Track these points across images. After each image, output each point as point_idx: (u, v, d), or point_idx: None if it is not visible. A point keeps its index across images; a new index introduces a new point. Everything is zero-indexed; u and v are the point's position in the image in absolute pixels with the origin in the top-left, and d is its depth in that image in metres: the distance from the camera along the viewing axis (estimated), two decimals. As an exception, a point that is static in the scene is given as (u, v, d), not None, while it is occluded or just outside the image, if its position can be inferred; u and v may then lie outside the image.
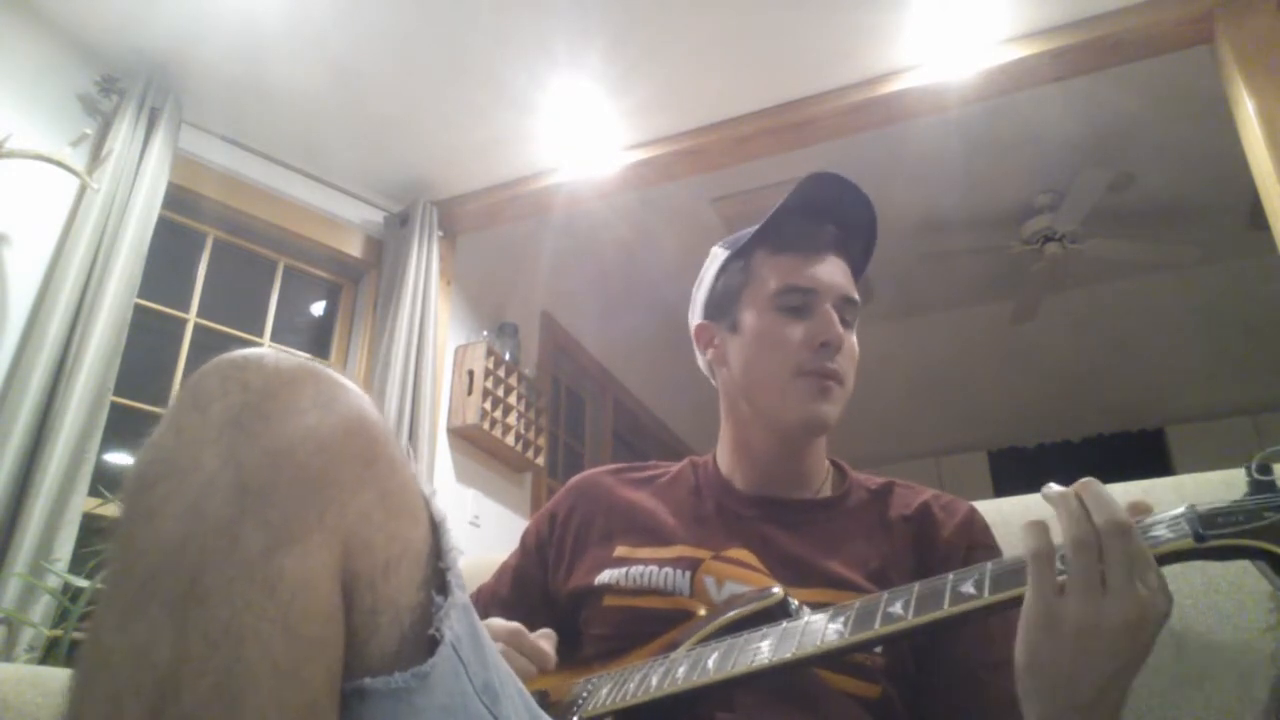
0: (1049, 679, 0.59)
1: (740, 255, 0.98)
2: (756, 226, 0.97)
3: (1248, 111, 2.15)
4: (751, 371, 0.94)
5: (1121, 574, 0.57)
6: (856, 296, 0.95)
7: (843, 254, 0.95)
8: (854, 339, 0.95)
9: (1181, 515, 0.59)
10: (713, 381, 1.03)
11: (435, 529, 0.56)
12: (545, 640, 0.85)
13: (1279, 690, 0.82)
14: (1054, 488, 0.64)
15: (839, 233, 0.96)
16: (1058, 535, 0.61)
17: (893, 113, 2.60)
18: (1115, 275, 4.13)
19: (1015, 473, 5.25)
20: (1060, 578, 0.59)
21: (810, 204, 0.94)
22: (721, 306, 0.99)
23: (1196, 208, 3.59)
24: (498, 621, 0.88)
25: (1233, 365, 4.54)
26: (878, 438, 5.00)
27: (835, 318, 0.90)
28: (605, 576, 0.91)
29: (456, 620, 0.54)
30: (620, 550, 0.93)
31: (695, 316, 1.03)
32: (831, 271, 0.93)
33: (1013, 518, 0.99)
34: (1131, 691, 0.61)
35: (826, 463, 0.99)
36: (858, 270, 0.98)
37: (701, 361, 1.03)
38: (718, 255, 1.02)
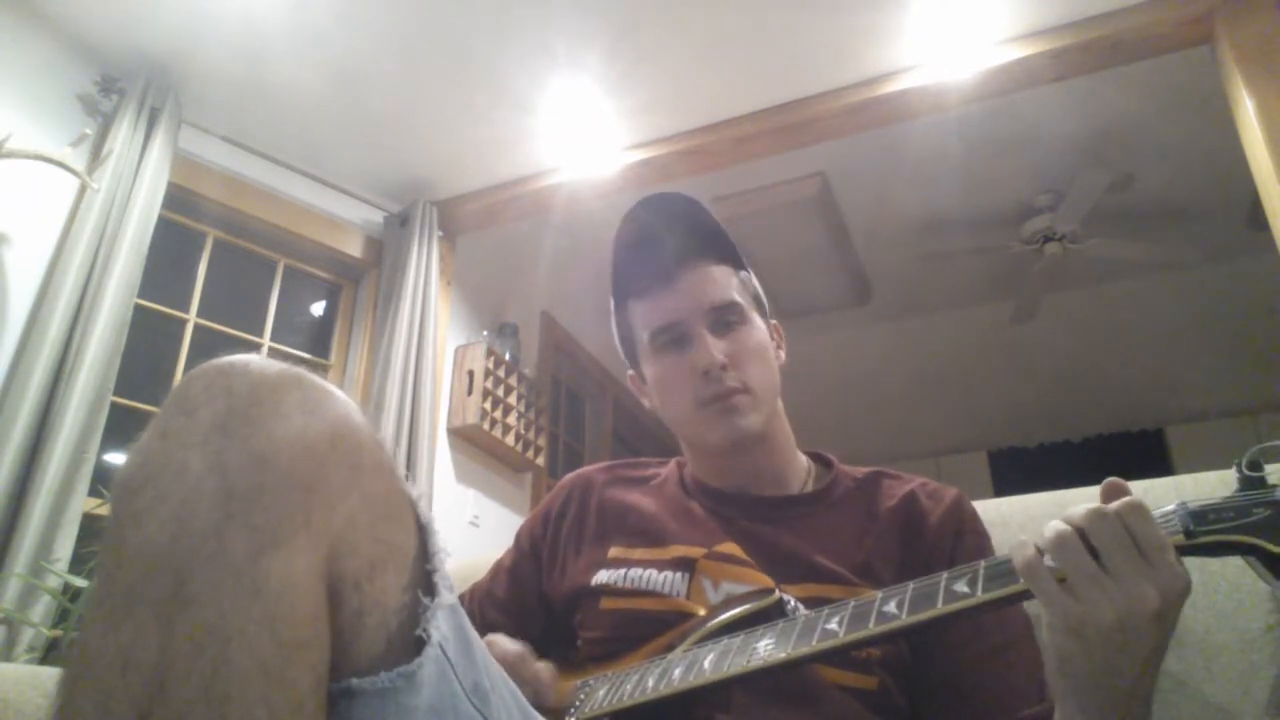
0: (1081, 679, 0.58)
1: (619, 308, 1.02)
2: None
3: (1248, 111, 2.15)
4: (667, 415, 0.97)
5: (1121, 558, 0.56)
6: (728, 297, 0.94)
7: (697, 261, 0.95)
8: (748, 331, 0.94)
9: (1173, 512, 0.59)
10: None
11: (422, 531, 0.57)
12: (546, 672, 0.86)
13: (1279, 690, 0.82)
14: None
15: (681, 245, 0.95)
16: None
17: (893, 113, 2.60)
18: (1115, 275, 4.12)
19: (1015, 473, 5.24)
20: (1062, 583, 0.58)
21: (642, 236, 0.96)
22: (631, 360, 1.03)
23: (1196, 208, 3.58)
24: (502, 640, 0.89)
25: (1233, 365, 4.53)
26: (877, 437, 5.00)
27: (707, 339, 0.91)
28: (601, 577, 0.91)
29: (443, 621, 0.54)
30: (615, 551, 0.93)
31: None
32: (688, 292, 0.93)
33: (1012, 518, 0.99)
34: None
35: (803, 458, 0.99)
36: (729, 259, 0.97)
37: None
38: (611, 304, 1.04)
